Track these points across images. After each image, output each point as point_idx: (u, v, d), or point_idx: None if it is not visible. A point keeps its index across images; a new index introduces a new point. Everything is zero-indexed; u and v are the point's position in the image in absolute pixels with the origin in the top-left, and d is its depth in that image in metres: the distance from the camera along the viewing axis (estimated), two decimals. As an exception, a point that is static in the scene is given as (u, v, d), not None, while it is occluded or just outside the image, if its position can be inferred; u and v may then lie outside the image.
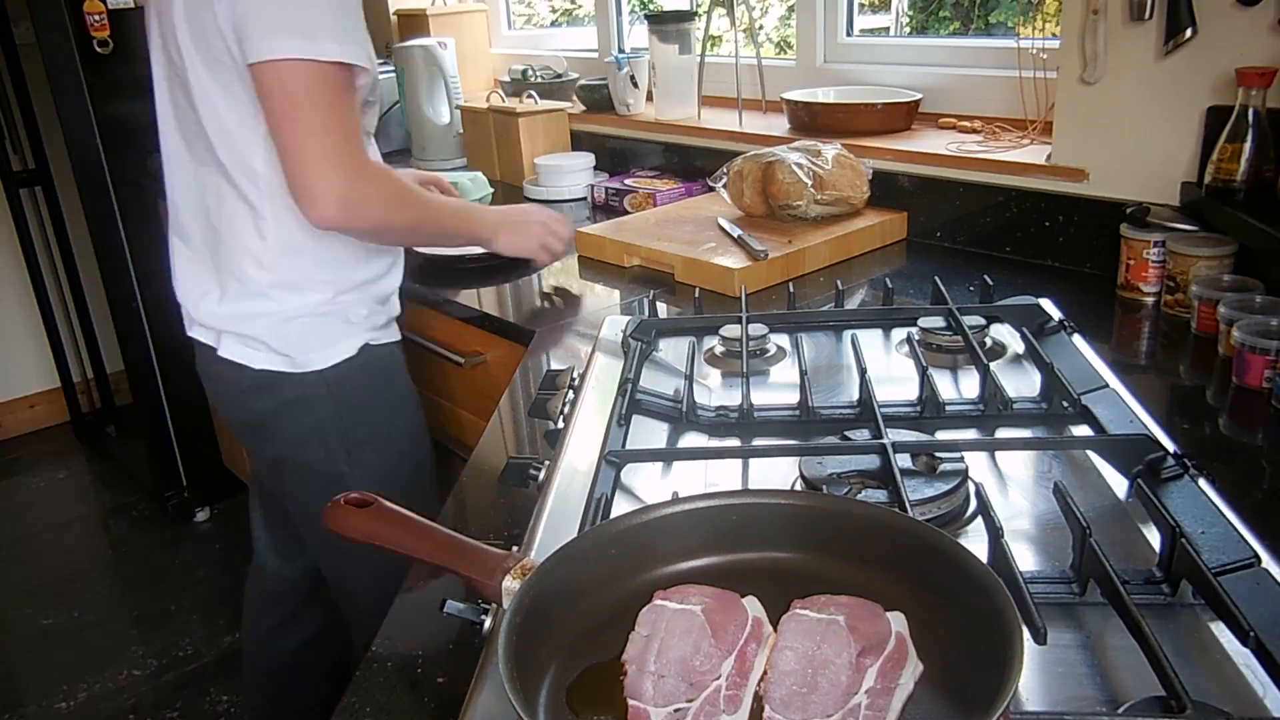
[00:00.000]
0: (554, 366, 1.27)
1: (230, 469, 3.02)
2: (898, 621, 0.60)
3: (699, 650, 0.60)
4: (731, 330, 1.20)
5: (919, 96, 1.86)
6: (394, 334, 1.43)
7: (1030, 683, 0.65)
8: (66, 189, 2.94)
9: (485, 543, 0.72)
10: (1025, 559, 0.78)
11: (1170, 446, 0.86)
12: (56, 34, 2.50)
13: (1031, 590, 0.67)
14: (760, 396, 1.04)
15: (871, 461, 0.88)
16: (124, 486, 3.26)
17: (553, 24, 3.09)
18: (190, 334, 1.39)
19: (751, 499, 0.74)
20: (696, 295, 1.36)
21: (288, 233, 1.27)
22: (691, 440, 1.01)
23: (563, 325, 1.48)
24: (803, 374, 1.04)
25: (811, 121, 1.92)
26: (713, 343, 1.23)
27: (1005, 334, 1.21)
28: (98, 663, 2.43)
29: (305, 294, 1.31)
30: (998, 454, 0.94)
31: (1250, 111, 1.26)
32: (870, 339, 1.23)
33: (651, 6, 2.73)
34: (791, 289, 1.33)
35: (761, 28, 2.79)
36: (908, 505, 0.78)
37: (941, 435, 0.97)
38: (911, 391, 1.03)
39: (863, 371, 1.01)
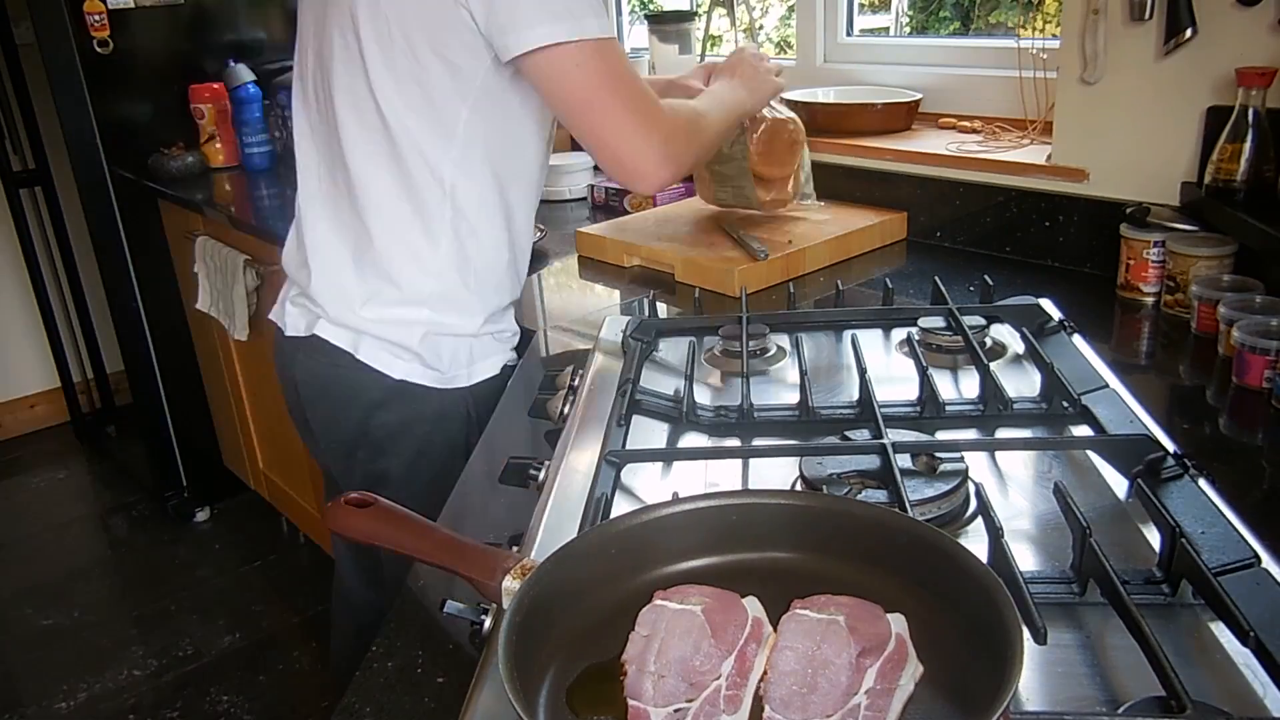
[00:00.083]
0: (554, 366, 1.27)
1: (230, 469, 3.02)
2: (898, 623, 0.60)
3: (699, 650, 0.60)
4: (731, 330, 1.20)
5: (919, 96, 1.86)
6: (516, 354, 1.40)
7: (1030, 683, 0.65)
8: (66, 189, 2.94)
9: (485, 543, 0.72)
10: (1025, 559, 0.78)
11: (1170, 446, 0.86)
12: (56, 34, 2.50)
13: (1031, 590, 0.67)
14: (760, 396, 1.04)
15: (871, 461, 0.88)
16: (124, 486, 3.26)
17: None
18: (315, 332, 1.29)
19: (751, 499, 0.74)
20: (696, 295, 1.36)
21: (461, 245, 1.24)
22: (691, 440, 1.01)
23: (563, 325, 1.48)
24: (803, 374, 1.04)
25: (811, 121, 1.92)
26: (713, 343, 1.23)
27: (1005, 334, 1.21)
28: (98, 663, 2.43)
29: (464, 309, 1.28)
30: (998, 454, 0.94)
31: (1250, 111, 1.26)
32: (870, 339, 1.23)
33: (651, 6, 2.73)
34: (791, 289, 1.33)
35: (761, 28, 2.79)
36: (908, 505, 0.78)
37: (941, 435, 0.97)
38: (911, 391, 1.03)
39: (863, 371, 1.01)
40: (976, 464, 0.91)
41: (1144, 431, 0.90)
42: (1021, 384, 1.07)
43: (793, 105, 1.94)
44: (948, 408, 0.99)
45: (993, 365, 1.04)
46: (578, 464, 0.94)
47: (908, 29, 2.30)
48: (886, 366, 1.16)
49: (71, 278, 3.27)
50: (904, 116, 1.86)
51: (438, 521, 0.75)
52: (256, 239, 2.22)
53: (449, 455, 1.32)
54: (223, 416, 2.90)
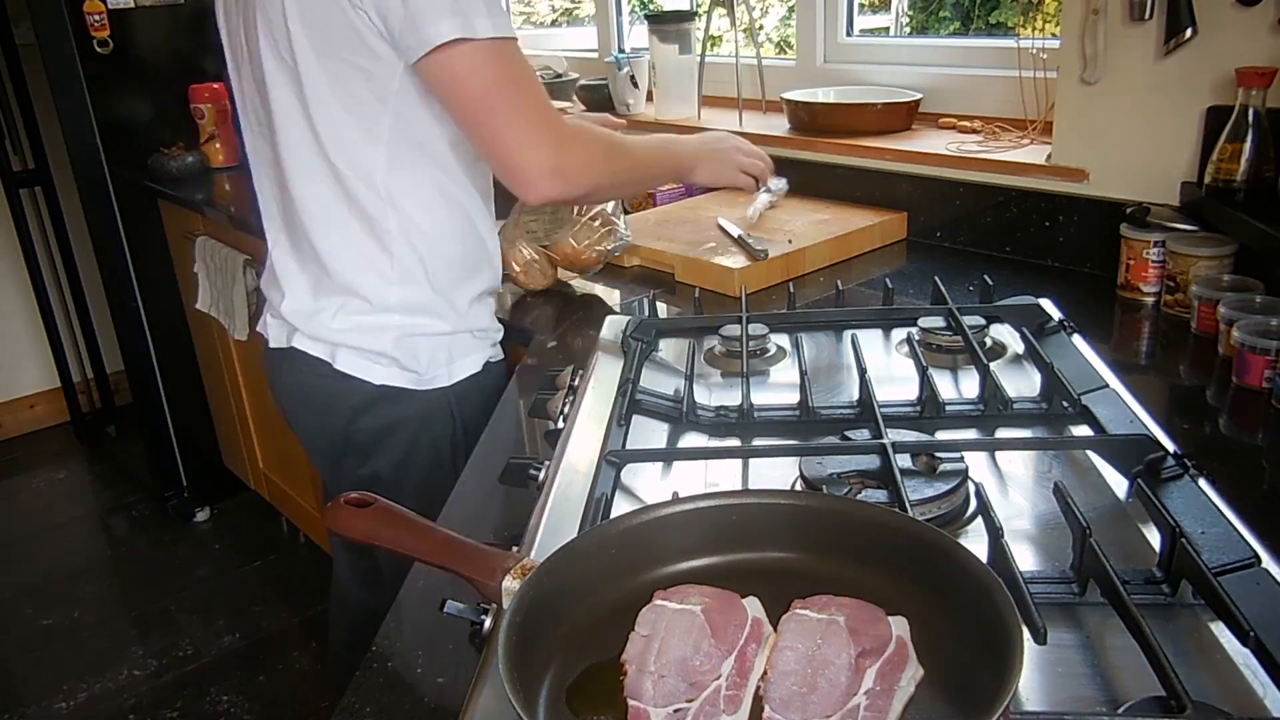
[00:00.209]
0: (554, 366, 1.27)
1: (230, 469, 3.02)
2: (900, 626, 0.60)
3: (699, 650, 0.60)
4: (731, 330, 1.20)
5: (919, 96, 1.86)
6: (501, 350, 1.40)
7: (1030, 683, 0.65)
8: (66, 189, 2.94)
9: (485, 543, 0.72)
10: (1025, 559, 0.78)
11: (1170, 446, 0.86)
12: (56, 34, 2.50)
13: (1031, 590, 0.67)
14: (760, 396, 1.04)
15: (871, 461, 0.88)
16: (124, 486, 3.26)
17: (553, 24, 3.09)
18: (292, 344, 1.30)
19: (751, 499, 0.74)
20: (696, 295, 1.36)
21: (412, 246, 1.23)
22: (691, 440, 1.01)
23: (563, 325, 1.48)
24: (803, 374, 1.04)
25: (811, 121, 1.92)
26: (713, 343, 1.23)
27: (1005, 334, 1.21)
28: (98, 663, 2.43)
29: (436, 311, 1.27)
30: (998, 454, 0.94)
31: (1250, 111, 1.26)
32: (870, 339, 1.23)
33: (651, 6, 2.73)
34: (791, 289, 1.33)
35: (761, 28, 2.79)
36: (908, 505, 0.78)
37: (941, 435, 0.97)
38: (911, 391, 1.03)
39: (863, 371, 1.01)
40: (976, 464, 0.91)
41: (1144, 431, 0.90)
42: (1021, 384, 1.07)
43: (793, 105, 1.95)
44: (948, 408, 0.99)
45: (993, 365, 1.04)
46: (578, 464, 0.94)
47: (908, 29, 2.30)
48: (886, 366, 1.16)
49: (71, 278, 3.27)
50: (904, 116, 1.86)
51: (437, 522, 0.75)
52: (256, 239, 2.21)
53: (435, 456, 1.32)
54: (223, 416, 2.90)
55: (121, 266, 2.75)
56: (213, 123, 2.64)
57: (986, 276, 1.27)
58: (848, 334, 1.24)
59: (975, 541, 0.73)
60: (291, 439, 1.52)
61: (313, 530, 2.66)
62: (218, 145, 2.65)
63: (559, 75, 2.55)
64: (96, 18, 2.53)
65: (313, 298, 1.28)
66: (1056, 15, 1.65)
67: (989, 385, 1.01)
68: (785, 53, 2.41)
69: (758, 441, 1.00)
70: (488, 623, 0.73)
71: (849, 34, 2.06)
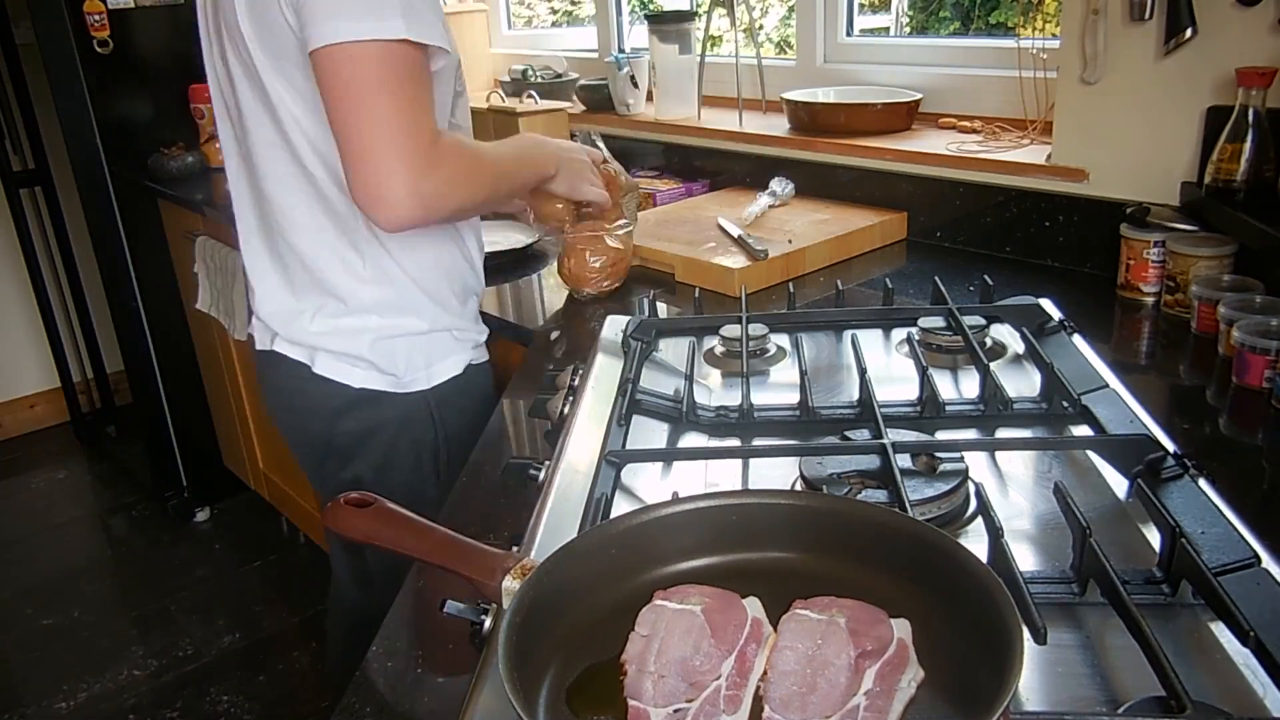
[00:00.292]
0: (554, 366, 1.27)
1: (230, 469, 3.02)
2: (901, 628, 0.60)
3: (699, 650, 0.60)
4: (731, 330, 1.20)
5: (919, 96, 1.86)
6: (485, 352, 1.39)
7: (1030, 683, 0.65)
8: (66, 189, 2.94)
9: (485, 543, 0.72)
10: (1025, 559, 0.78)
11: (1170, 446, 0.86)
12: (56, 34, 2.50)
13: (1031, 590, 0.67)
14: (760, 396, 1.04)
15: (871, 461, 0.88)
16: (124, 486, 3.26)
17: (553, 24, 3.09)
18: (274, 348, 1.29)
19: (751, 499, 0.74)
20: (696, 295, 1.36)
21: (384, 247, 1.22)
22: (691, 440, 1.01)
23: (563, 325, 1.48)
24: (803, 374, 1.04)
25: (811, 121, 1.92)
26: (713, 343, 1.23)
27: (1005, 334, 1.21)
28: (98, 663, 2.43)
29: (413, 311, 1.26)
30: (998, 454, 0.94)
31: (1250, 111, 1.26)
32: (870, 339, 1.23)
33: (651, 6, 2.73)
34: (791, 289, 1.33)
35: (761, 28, 2.79)
36: (908, 505, 0.78)
37: (941, 435, 0.97)
38: (911, 391, 1.03)
39: (863, 371, 1.01)
40: (976, 464, 0.91)
41: (1144, 431, 0.90)
42: (1021, 384, 1.07)
43: (793, 105, 1.95)
44: (948, 408, 0.99)
45: (993, 365, 1.04)
46: (578, 464, 0.94)
47: (908, 29, 2.30)
48: (886, 366, 1.16)
49: (71, 278, 3.26)
50: (904, 116, 1.86)
51: (437, 522, 0.75)
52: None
53: (416, 459, 1.32)
54: (223, 416, 2.90)
55: (121, 267, 2.75)
56: (212, 123, 2.60)
57: (986, 276, 1.27)
58: (848, 334, 1.24)
59: (975, 541, 0.73)
60: (289, 439, 1.52)
61: (313, 530, 2.66)
62: (218, 145, 2.63)
63: (559, 75, 2.56)
64: (96, 18, 2.53)
65: (291, 299, 1.28)
66: (1056, 15, 1.65)
67: (989, 385, 1.01)
68: (785, 53, 2.41)
69: (758, 441, 1.00)
70: (488, 623, 0.73)
71: (849, 34, 2.06)
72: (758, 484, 0.92)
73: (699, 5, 2.35)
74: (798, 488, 0.88)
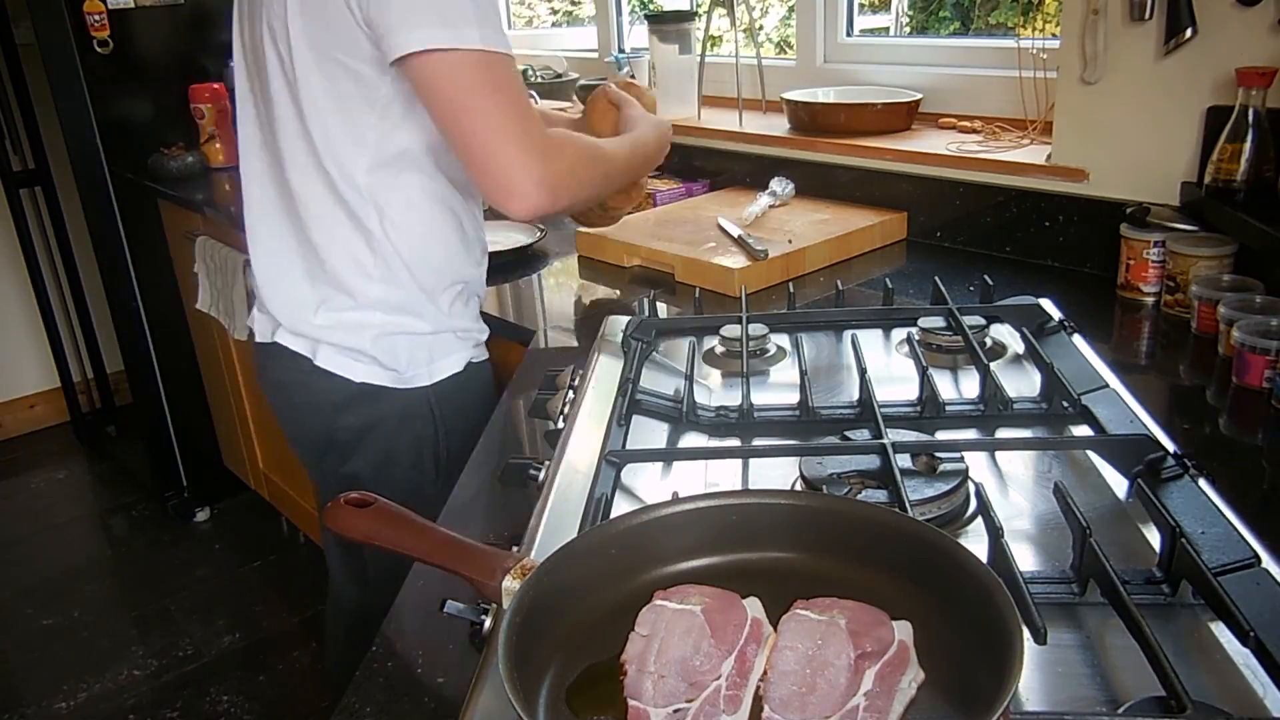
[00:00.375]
0: (554, 366, 1.27)
1: (230, 469, 3.02)
2: (903, 630, 0.60)
3: (699, 650, 0.60)
4: (731, 330, 1.20)
5: (919, 96, 1.86)
6: (485, 351, 1.39)
7: (1030, 683, 0.65)
8: (66, 189, 2.94)
9: (485, 543, 0.72)
10: (1025, 559, 0.78)
11: (1170, 446, 0.86)
12: (56, 34, 2.50)
13: (1031, 590, 0.67)
14: (760, 396, 1.04)
15: (871, 461, 0.88)
16: (124, 486, 3.26)
17: (553, 24, 3.09)
18: (275, 339, 1.30)
19: (751, 499, 0.74)
20: (696, 295, 1.36)
21: (394, 246, 1.23)
22: (691, 440, 1.01)
23: (563, 325, 1.48)
24: (803, 374, 1.04)
25: (811, 121, 1.92)
26: (713, 343, 1.23)
27: (1005, 334, 1.21)
28: (98, 663, 2.43)
29: (416, 311, 1.27)
30: (998, 454, 0.94)
31: (1250, 111, 1.26)
32: (870, 339, 1.23)
33: (651, 6, 2.73)
34: (791, 289, 1.33)
35: (761, 28, 2.79)
36: (908, 505, 0.78)
37: (941, 435, 0.97)
38: (911, 391, 1.03)
39: (863, 371, 1.01)
40: (976, 464, 0.91)
41: (1144, 431, 0.90)
42: (1021, 384, 1.07)
43: (793, 105, 1.95)
44: (948, 408, 0.99)
45: (993, 365, 1.04)
46: (578, 464, 0.94)
47: (908, 29, 2.30)
48: (886, 366, 1.16)
49: (71, 278, 3.26)
50: (904, 116, 1.86)
51: (437, 522, 0.75)
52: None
53: (416, 456, 1.32)
54: (223, 416, 2.90)
55: (121, 266, 2.75)
56: (213, 123, 2.64)
57: (986, 276, 1.27)
58: (848, 334, 1.24)
59: (975, 541, 0.73)
60: (290, 438, 1.52)
61: (312, 530, 2.66)
62: (218, 145, 2.66)
63: (559, 75, 2.56)
64: (96, 18, 2.53)
65: (307, 285, 1.28)
66: (1056, 15, 1.65)
67: (989, 385, 1.01)
68: (785, 53, 2.41)
69: (758, 441, 1.00)
70: (488, 623, 0.73)
71: (849, 34, 2.06)
72: (758, 484, 0.92)
73: (699, 5, 2.35)
74: (798, 488, 0.88)
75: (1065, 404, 0.98)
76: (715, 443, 1.01)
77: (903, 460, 0.86)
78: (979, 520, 0.81)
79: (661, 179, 2.09)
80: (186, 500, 3.03)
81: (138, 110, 2.68)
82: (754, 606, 0.64)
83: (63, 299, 3.39)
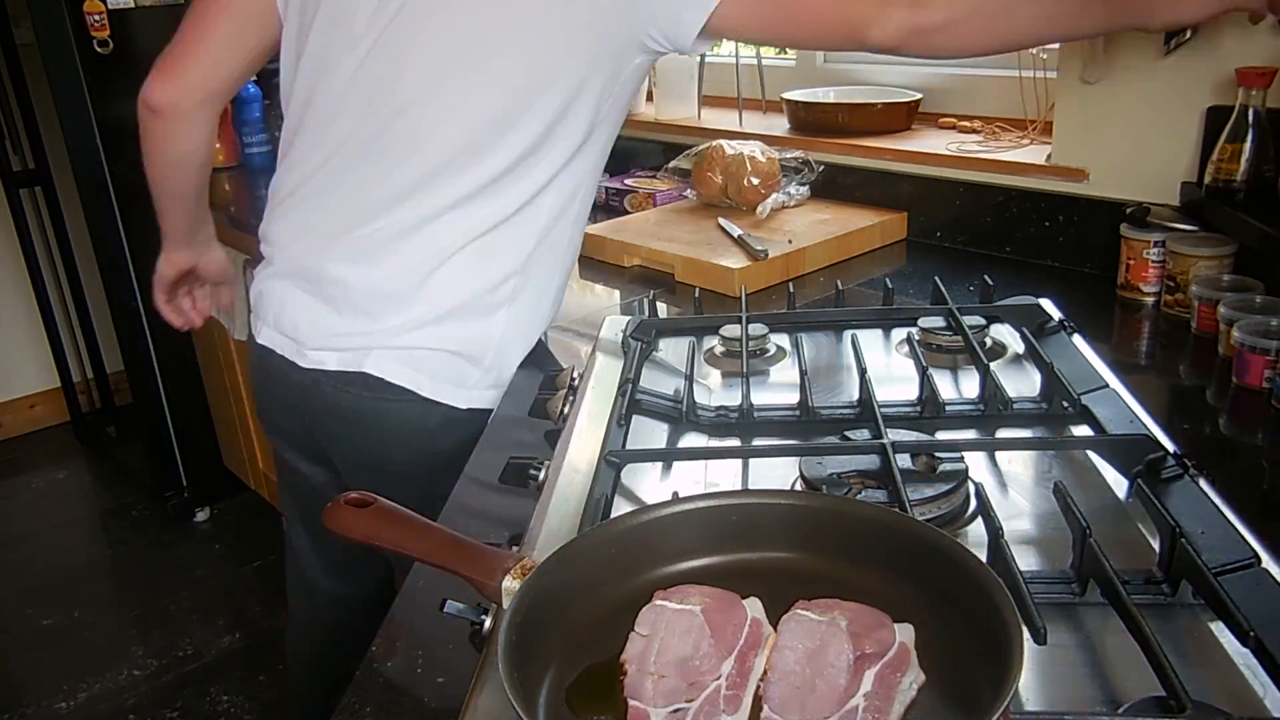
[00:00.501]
0: (554, 367, 1.27)
1: (230, 469, 3.02)
2: (904, 632, 0.60)
3: (699, 650, 0.60)
4: (731, 330, 1.20)
5: (919, 96, 1.86)
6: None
7: (1030, 683, 0.65)
8: (66, 189, 2.94)
9: (485, 543, 0.72)
10: (1025, 559, 0.78)
11: (1170, 446, 0.86)
12: (56, 34, 2.50)
13: (1031, 590, 0.67)
14: (760, 396, 1.04)
15: (871, 461, 0.88)
16: (124, 486, 3.26)
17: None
18: (363, 369, 1.16)
19: (751, 499, 0.74)
20: (696, 295, 1.36)
21: (494, 239, 1.15)
22: (691, 440, 1.01)
23: (563, 325, 1.48)
24: (803, 374, 1.04)
25: (811, 121, 1.92)
26: (713, 343, 1.23)
27: (1005, 334, 1.21)
28: (98, 663, 2.43)
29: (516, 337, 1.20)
30: (998, 454, 0.94)
31: (1250, 111, 1.26)
32: (870, 339, 1.23)
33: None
34: (791, 289, 1.33)
35: (761, 28, 2.79)
36: (908, 505, 0.78)
37: (941, 435, 0.97)
38: (911, 391, 1.03)
39: (863, 371, 1.01)
40: (976, 464, 0.91)
41: (1144, 431, 0.90)
42: (1021, 384, 1.07)
43: (793, 105, 1.95)
44: (948, 408, 0.99)
45: (993, 365, 1.04)
46: (578, 464, 0.94)
47: (908, 29, 2.30)
48: (886, 366, 1.16)
49: (71, 278, 3.26)
50: (904, 116, 1.86)
51: (438, 521, 0.75)
52: (256, 239, 2.21)
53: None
54: (223, 416, 2.90)
55: (121, 266, 2.75)
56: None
57: (986, 276, 1.27)
58: (848, 334, 1.24)
59: (975, 541, 0.73)
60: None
61: (313, 530, 2.66)
62: (217, 145, 2.65)
63: (559, 75, 2.55)
64: (96, 18, 2.53)
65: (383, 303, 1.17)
66: (1056, 15, 1.65)
67: (989, 385, 1.01)
68: (785, 52, 2.41)
69: (758, 441, 1.00)
70: (488, 623, 0.73)
71: (849, 34, 2.06)
72: (758, 484, 0.92)
73: (699, 5, 2.34)
74: (798, 488, 0.88)
75: (1065, 404, 0.98)
76: (715, 443, 1.01)
77: (903, 460, 0.86)
78: (979, 520, 0.81)
79: (661, 179, 2.09)
80: (186, 500, 3.03)
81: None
82: (754, 607, 0.64)
83: (63, 299, 3.38)
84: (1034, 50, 1.62)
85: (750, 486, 0.91)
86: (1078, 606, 0.71)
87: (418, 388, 1.17)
